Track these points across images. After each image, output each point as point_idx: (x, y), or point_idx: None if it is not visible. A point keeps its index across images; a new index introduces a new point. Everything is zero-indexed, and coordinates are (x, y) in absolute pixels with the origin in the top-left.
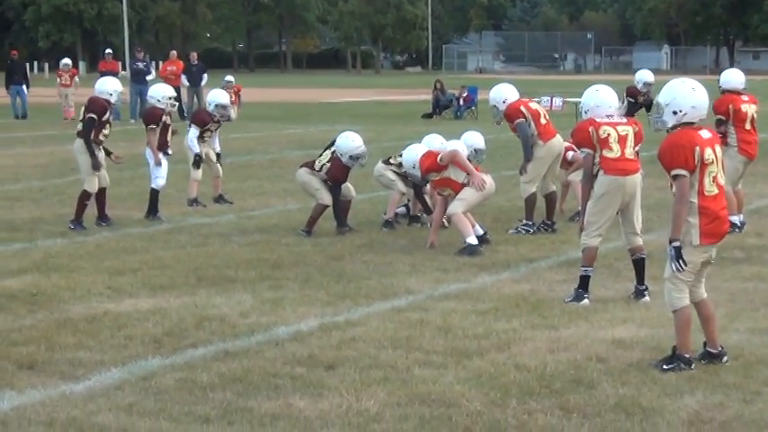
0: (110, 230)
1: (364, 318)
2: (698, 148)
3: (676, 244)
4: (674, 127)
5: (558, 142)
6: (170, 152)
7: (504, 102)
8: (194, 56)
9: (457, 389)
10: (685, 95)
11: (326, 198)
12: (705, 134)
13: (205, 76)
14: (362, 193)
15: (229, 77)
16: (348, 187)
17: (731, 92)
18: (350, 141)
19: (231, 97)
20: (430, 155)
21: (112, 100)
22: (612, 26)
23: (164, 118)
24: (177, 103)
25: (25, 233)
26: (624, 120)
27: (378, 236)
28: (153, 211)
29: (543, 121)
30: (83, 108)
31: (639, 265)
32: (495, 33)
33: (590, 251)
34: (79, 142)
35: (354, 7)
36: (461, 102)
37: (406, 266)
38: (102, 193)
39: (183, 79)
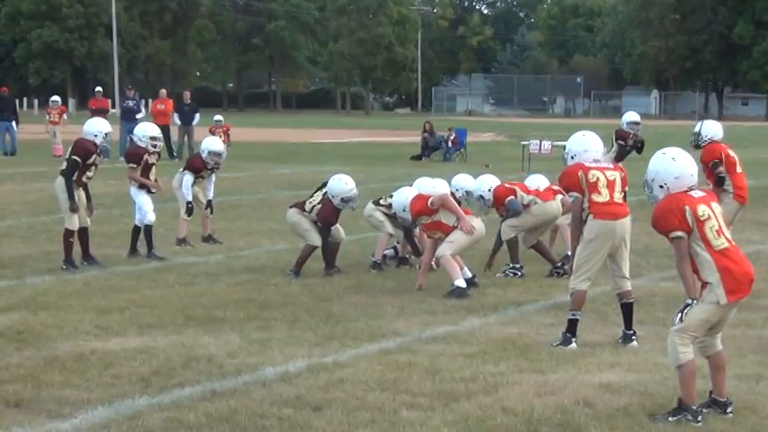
0: (98, 269)
1: (352, 359)
2: (688, 208)
3: (688, 302)
4: None
5: (557, 206)
6: (154, 191)
7: (489, 189)
8: (187, 95)
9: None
10: (666, 168)
11: (316, 239)
12: (697, 193)
13: (197, 115)
14: (351, 234)
15: (218, 117)
16: (338, 229)
17: (715, 142)
18: (342, 184)
19: (221, 137)
20: (420, 198)
21: (98, 141)
22: (602, 70)
23: (145, 157)
24: (159, 144)
25: (13, 270)
26: (611, 165)
27: (366, 277)
28: (149, 246)
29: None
30: (70, 147)
31: (627, 310)
32: (484, 76)
33: (579, 295)
34: (60, 180)
35: (344, 48)
36: (450, 144)
37: (395, 308)
38: (83, 232)
39: (175, 118)
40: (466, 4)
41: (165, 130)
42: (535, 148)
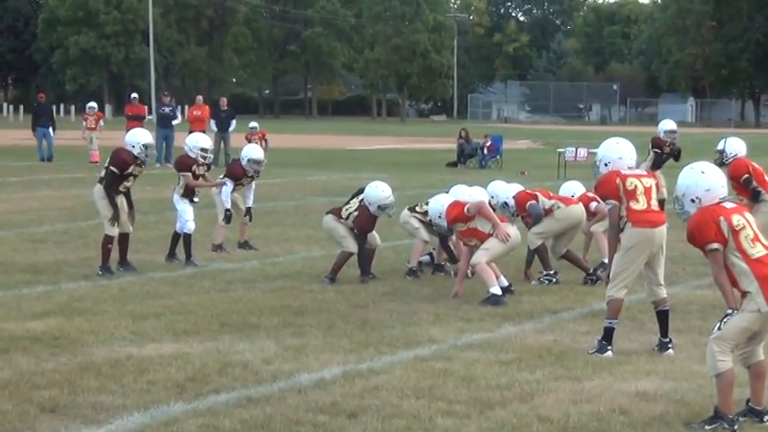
0: (133, 275)
1: (387, 366)
2: (722, 219)
3: (728, 311)
4: None
5: (580, 210)
6: (196, 200)
7: (512, 196)
8: (224, 101)
9: None
10: (697, 182)
11: (352, 246)
12: (729, 205)
13: (233, 122)
14: (387, 241)
15: (254, 124)
16: (374, 236)
17: (740, 158)
18: (379, 191)
19: (258, 143)
20: (457, 205)
21: (135, 152)
22: (638, 78)
23: (193, 168)
24: (209, 156)
25: (49, 276)
26: (644, 172)
27: (401, 284)
28: (187, 254)
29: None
30: (109, 157)
31: (663, 318)
32: (520, 83)
33: (615, 303)
34: (99, 188)
35: (380, 55)
36: (485, 151)
37: (430, 315)
38: (124, 238)
39: (211, 124)
40: (502, 11)
41: None
42: (571, 155)
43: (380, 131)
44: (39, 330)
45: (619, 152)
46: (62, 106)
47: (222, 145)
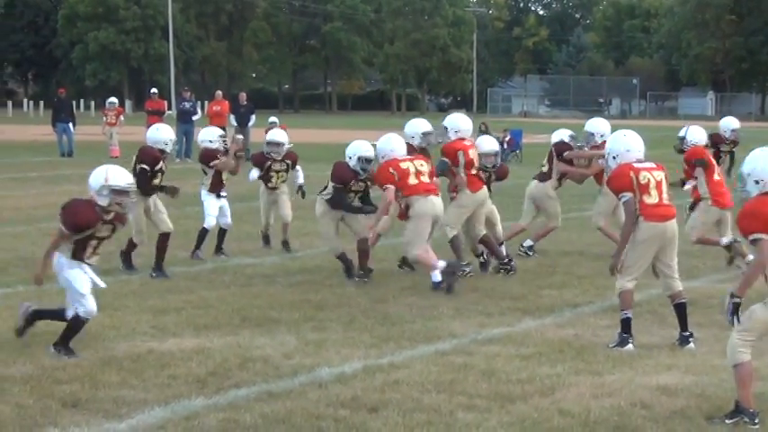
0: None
1: (408, 361)
2: None
3: (737, 300)
4: None
5: (484, 193)
6: (224, 194)
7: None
8: (243, 96)
9: None
10: (766, 165)
11: (339, 246)
12: None
13: (253, 117)
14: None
15: (273, 118)
16: (359, 223)
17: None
18: (360, 145)
19: None
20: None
21: (168, 150)
22: (658, 72)
23: (218, 157)
24: (227, 137)
25: None
26: (655, 165)
27: (421, 279)
28: (196, 246)
29: (473, 171)
30: (134, 158)
31: (681, 311)
32: (540, 77)
33: (626, 294)
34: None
35: (400, 50)
36: (505, 145)
37: (450, 310)
38: (166, 238)
39: (231, 119)
40: (521, 5)
41: (222, 131)
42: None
43: (400, 126)
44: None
45: (627, 144)
46: (82, 102)
47: (242, 141)
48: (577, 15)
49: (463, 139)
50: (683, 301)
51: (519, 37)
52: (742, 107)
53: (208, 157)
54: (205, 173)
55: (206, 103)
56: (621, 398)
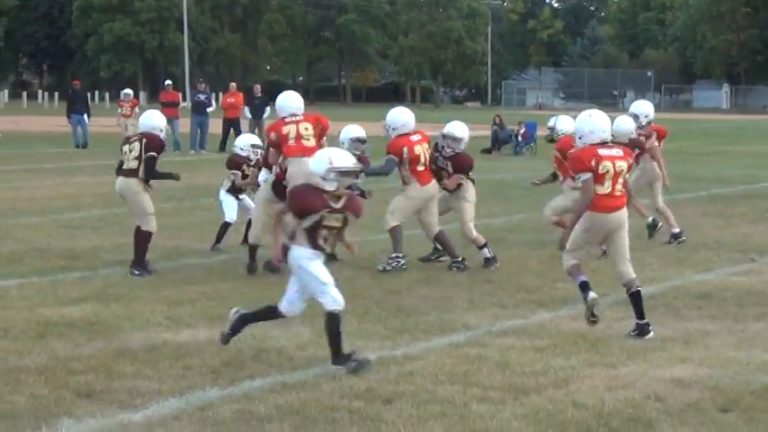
0: (168, 261)
1: (422, 352)
2: None
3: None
4: None
5: (434, 187)
6: (242, 197)
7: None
8: (258, 88)
9: (514, 425)
10: (581, 124)
11: (260, 238)
12: None
13: (268, 109)
14: (416, 228)
15: None
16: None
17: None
18: (352, 128)
19: None
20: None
21: (163, 136)
22: (673, 64)
23: (243, 167)
24: (260, 150)
25: (85, 261)
26: (621, 153)
27: (436, 271)
28: (217, 239)
29: (421, 168)
30: (136, 145)
31: (637, 299)
32: (554, 70)
33: (573, 268)
34: (134, 182)
35: (414, 42)
36: (520, 138)
37: (465, 302)
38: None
39: (246, 111)
40: None
41: (236, 123)
42: None
43: (415, 118)
44: (75, 316)
45: (591, 125)
46: (96, 93)
47: (257, 132)
48: (592, 8)
49: (408, 134)
50: (638, 289)
51: (534, 29)
52: (757, 100)
53: (232, 163)
54: (229, 175)
55: (220, 94)
56: (635, 390)
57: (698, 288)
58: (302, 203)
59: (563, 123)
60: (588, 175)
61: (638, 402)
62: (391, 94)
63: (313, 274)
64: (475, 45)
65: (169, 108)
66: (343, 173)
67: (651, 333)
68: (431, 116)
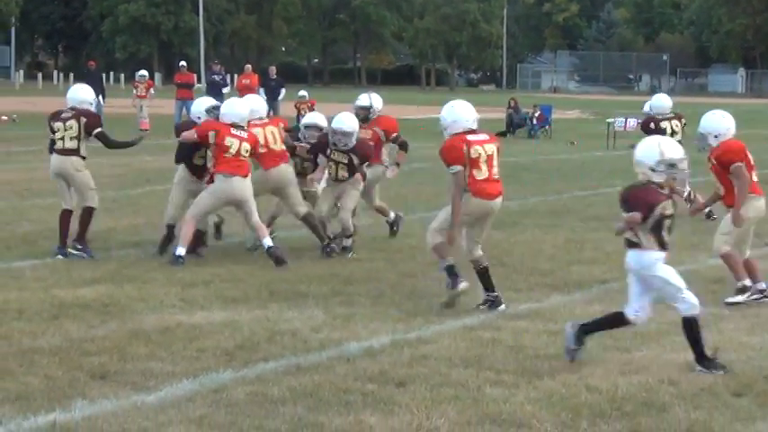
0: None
1: (436, 335)
2: None
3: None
4: None
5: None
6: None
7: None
8: (272, 70)
9: (528, 409)
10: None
11: (175, 217)
12: None
13: (283, 90)
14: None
15: (303, 92)
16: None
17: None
18: (341, 117)
19: (305, 112)
20: None
21: (92, 109)
22: (688, 48)
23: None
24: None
25: (99, 243)
26: (488, 137)
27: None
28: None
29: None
30: (73, 123)
31: (484, 274)
32: (569, 53)
33: (442, 246)
34: (75, 159)
35: (430, 24)
36: (535, 121)
37: (478, 285)
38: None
39: (261, 93)
40: None
41: None
42: (620, 125)
43: (429, 101)
44: (89, 297)
45: (453, 115)
46: (112, 74)
47: (271, 113)
48: None
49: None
50: (485, 265)
51: (549, 12)
52: None
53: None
54: None
55: (235, 76)
56: (649, 374)
57: (712, 273)
58: (648, 198)
59: (377, 101)
60: (459, 168)
61: (652, 386)
62: (406, 77)
63: (667, 280)
64: (490, 28)
65: (184, 89)
66: (672, 165)
67: (503, 305)
68: (446, 99)
